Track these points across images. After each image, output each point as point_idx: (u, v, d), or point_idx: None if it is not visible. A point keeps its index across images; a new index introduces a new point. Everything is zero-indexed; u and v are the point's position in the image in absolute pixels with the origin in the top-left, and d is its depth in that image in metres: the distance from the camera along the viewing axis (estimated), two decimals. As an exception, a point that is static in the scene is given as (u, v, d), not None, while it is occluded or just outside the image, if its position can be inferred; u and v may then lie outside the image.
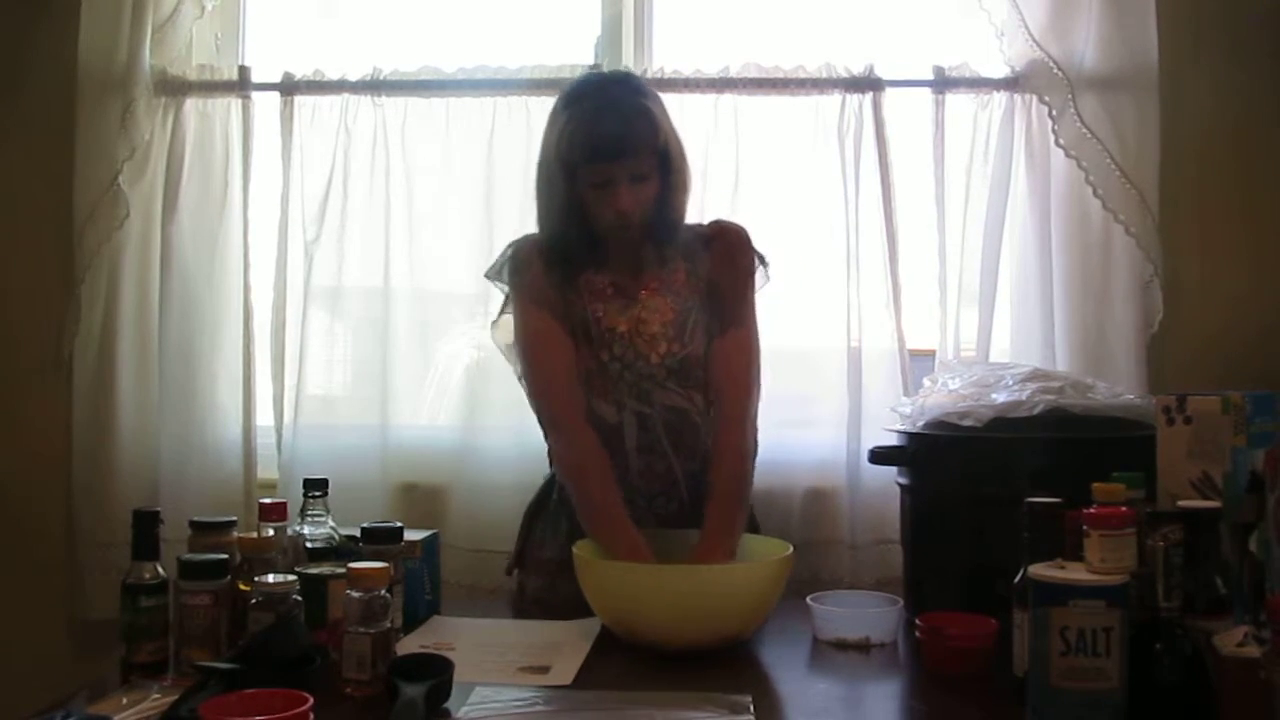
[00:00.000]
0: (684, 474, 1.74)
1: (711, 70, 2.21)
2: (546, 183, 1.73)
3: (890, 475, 1.81)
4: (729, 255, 1.80)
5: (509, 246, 1.84)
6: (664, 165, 1.70)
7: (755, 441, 1.76)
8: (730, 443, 1.72)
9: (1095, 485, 1.21)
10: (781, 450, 2.06)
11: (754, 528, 1.83)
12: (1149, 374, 2.10)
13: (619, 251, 1.77)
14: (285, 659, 1.22)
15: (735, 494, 1.69)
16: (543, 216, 1.77)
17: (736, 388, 1.75)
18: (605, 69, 2.26)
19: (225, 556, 1.39)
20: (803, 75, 2.20)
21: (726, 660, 1.44)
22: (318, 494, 1.59)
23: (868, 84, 2.19)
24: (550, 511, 1.84)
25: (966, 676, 1.36)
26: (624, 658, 1.44)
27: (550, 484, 1.87)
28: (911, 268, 2.21)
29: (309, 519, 1.57)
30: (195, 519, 1.51)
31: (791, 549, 1.58)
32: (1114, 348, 2.12)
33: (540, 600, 1.79)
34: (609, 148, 1.64)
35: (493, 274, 1.84)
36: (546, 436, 1.81)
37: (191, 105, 2.26)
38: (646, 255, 1.78)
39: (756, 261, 1.82)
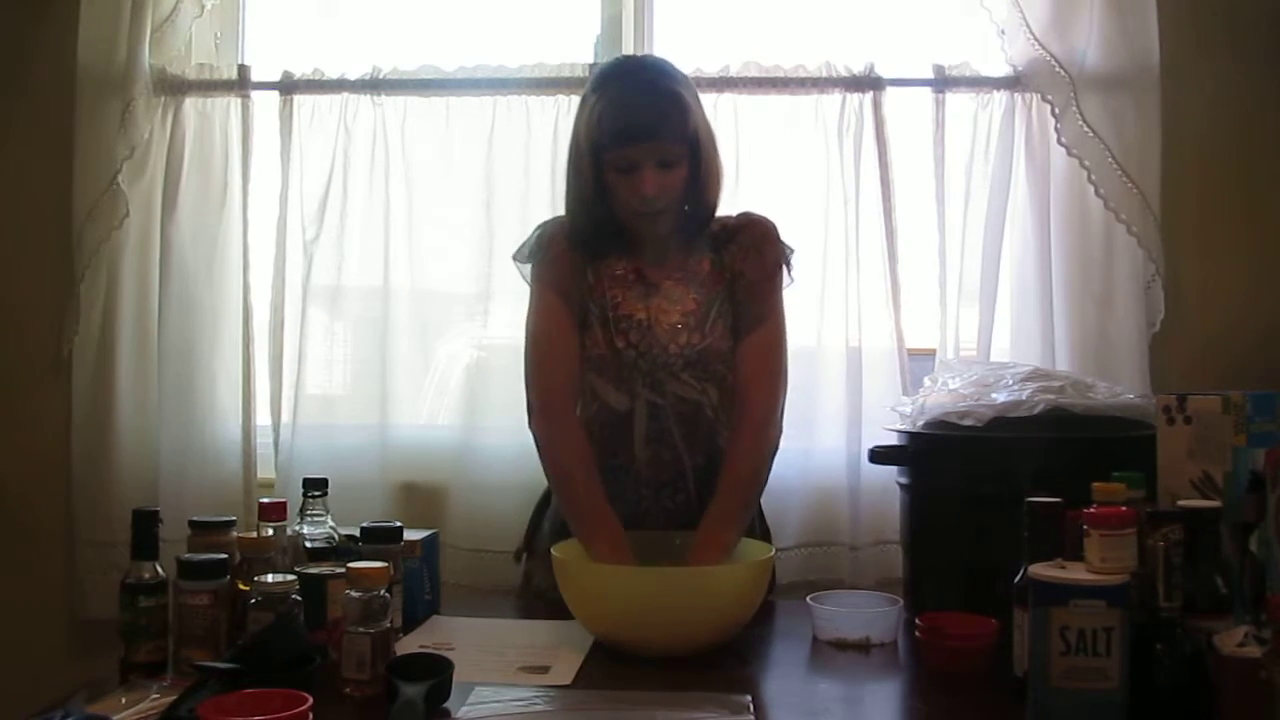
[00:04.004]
0: (692, 467, 1.72)
1: (712, 69, 2.21)
2: (574, 166, 1.71)
3: (890, 475, 1.81)
4: (756, 247, 1.76)
5: (537, 228, 1.81)
6: (693, 153, 1.66)
7: (777, 441, 1.73)
8: (746, 447, 1.68)
9: (1095, 485, 1.20)
10: (781, 450, 2.04)
11: (766, 536, 1.83)
12: (1151, 374, 2.10)
13: (644, 239, 1.74)
14: (285, 659, 1.21)
15: (740, 495, 1.66)
16: (570, 200, 1.75)
17: (762, 389, 1.71)
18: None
19: (225, 556, 1.39)
20: (803, 74, 2.20)
21: (726, 660, 1.44)
22: (317, 494, 1.59)
23: (868, 83, 2.19)
24: (556, 505, 1.80)
25: (966, 676, 1.36)
26: (624, 657, 1.44)
27: None
28: (911, 267, 2.20)
29: (309, 519, 1.57)
30: (195, 519, 1.51)
31: (773, 551, 1.56)
32: (1115, 348, 2.12)
33: (544, 594, 1.76)
34: (636, 131, 1.61)
35: (520, 256, 1.80)
36: (531, 422, 1.74)
37: (191, 104, 2.26)
38: (672, 245, 1.75)
39: (784, 255, 1.78)
